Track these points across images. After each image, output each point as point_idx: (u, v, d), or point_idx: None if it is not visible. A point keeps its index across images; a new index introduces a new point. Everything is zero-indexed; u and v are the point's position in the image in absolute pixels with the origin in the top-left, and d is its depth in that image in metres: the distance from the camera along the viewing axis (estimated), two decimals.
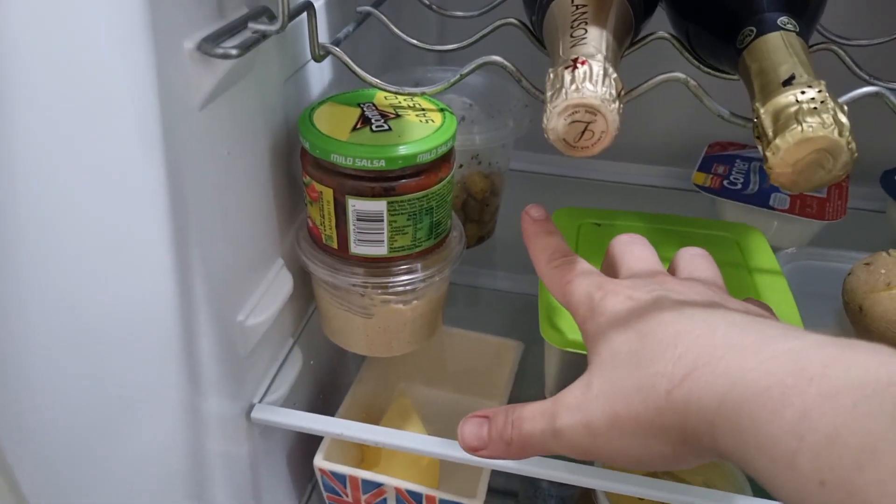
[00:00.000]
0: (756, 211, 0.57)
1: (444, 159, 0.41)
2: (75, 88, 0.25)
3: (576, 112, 0.30)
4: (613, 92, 0.30)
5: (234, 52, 0.31)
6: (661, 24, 0.40)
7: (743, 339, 0.24)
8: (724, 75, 0.39)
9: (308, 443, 0.52)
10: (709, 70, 0.40)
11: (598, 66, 0.31)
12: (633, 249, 0.34)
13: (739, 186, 0.60)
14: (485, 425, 0.30)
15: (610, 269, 0.34)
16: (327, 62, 0.50)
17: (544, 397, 0.31)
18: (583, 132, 0.31)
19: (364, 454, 0.57)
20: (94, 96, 0.26)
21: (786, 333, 0.24)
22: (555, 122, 0.30)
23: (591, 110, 0.30)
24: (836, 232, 0.56)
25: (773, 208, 0.57)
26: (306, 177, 0.41)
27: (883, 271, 0.40)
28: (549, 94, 0.31)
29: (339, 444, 0.52)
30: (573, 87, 0.30)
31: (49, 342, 0.26)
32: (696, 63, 0.40)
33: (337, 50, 0.41)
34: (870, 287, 0.40)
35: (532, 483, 0.63)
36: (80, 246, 0.27)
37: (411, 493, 0.48)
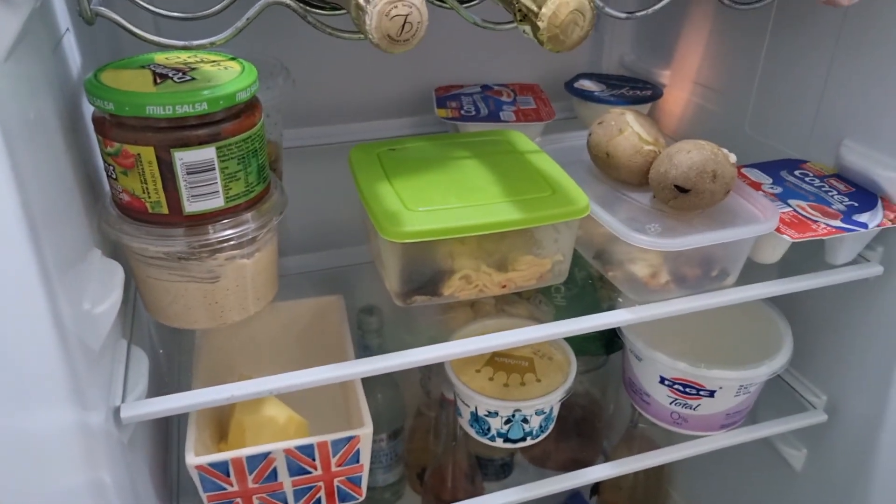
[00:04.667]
0: (491, 126, 0.68)
1: (255, 100, 0.42)
2: None
3: (394, 7, 0.35)
4: None
5: None
6: None
7: None
8: None
9: (165, 453, 0.48)
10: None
11: None
12: None
13: (474, 113, 0.70)
14: None
15: None
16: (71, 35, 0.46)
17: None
18: (402, 25, 0.36)
19: (225, 437, 0.53)
20: None
21: None
22: (377, 20, 0.35)
23: (407, 2, 0.35)
24: (552, 131, 0.70)
25: (504, 121, 0.69)
26: (111, 144, 0.38)
27: (613, 123, 0.52)
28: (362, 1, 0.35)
29: (202, 438, 0.49)
30: None
31: None
32: None
33: (107, 11, 0.39)
34: (609, 136, 0.52)
35: None
36: None
37: (302, 449, 0.48)
